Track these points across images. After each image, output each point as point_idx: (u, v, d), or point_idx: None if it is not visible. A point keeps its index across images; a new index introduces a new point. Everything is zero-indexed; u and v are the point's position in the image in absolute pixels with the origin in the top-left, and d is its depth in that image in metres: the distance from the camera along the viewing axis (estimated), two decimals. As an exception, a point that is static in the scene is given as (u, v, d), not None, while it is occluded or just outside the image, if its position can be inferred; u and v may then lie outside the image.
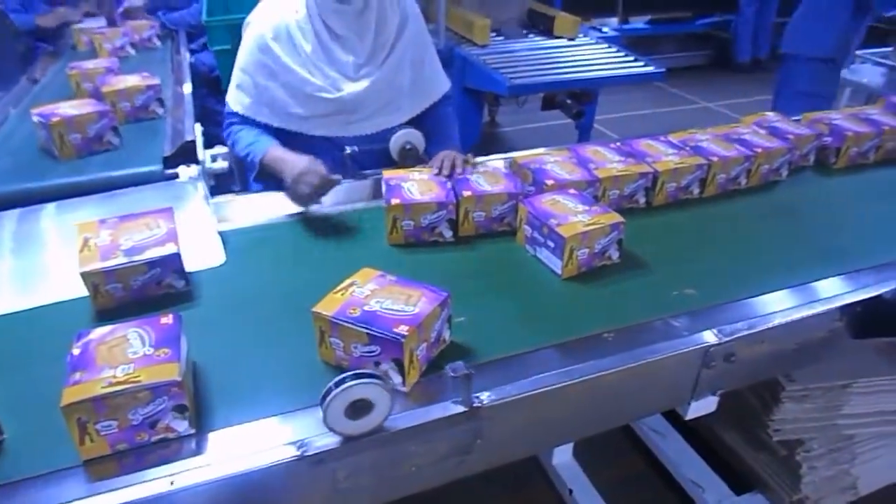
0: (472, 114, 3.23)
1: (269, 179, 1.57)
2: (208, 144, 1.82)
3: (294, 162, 1.46)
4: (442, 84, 1.73)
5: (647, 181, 1.56)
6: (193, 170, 1.63)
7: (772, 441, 1.47)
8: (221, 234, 1.43)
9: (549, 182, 1.46)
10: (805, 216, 1.62)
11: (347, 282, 1.09)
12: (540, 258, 1.34)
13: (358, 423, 0.87)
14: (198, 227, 1.40)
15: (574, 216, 1.30)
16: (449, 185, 1.45)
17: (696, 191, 1.64)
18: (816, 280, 1.30)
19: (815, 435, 1.38)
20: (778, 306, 1.21)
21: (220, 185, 1.78)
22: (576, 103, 3.01)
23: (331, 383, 0.85)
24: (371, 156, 1.69)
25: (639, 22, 6.79)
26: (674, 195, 1.62)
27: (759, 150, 1.69)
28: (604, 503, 1.88)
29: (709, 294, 1.24)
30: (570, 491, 1.89)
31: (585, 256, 1.29)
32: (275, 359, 1.07)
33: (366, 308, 1.01)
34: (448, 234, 1.42)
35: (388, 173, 1.50)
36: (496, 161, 1.71)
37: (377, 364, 0.98)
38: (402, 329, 0.95)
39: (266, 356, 1.08)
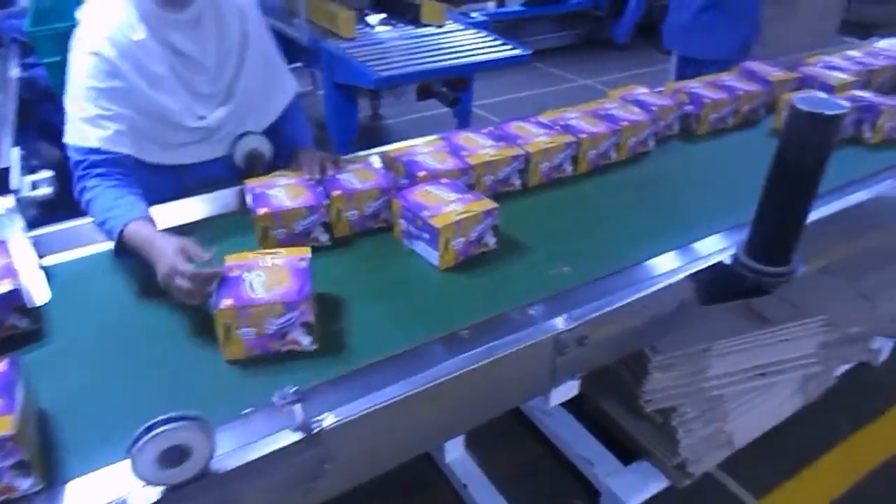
0: (346, 109, 3.18)
1: (135, 257, 1.25)
2: (49, 166, 1.68)
3: (162, 251, 1.14)
4: (291, 85, 1.65)
5: (520, 163, 1.59)
6: (9, 200, 1.48)
7: (648, 410, 1.54)
8: (53, 267, 1.33)
9: (422, 173, 1.46)
10: (672, 184, 1.71)
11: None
12: (417, 251, 1.33)
13: (176, 471, 0.79)
14: (15, 263, 1.24)
15: (447, 206, 1.31)
16: (319, 187, 1.42)
17: (568, 168, 1.69)
18: (677, 248, 1.37)
19: (685, 400, 1.46)
20: (637, 278, 1.26)
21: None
22: (451, 91, 3.01)
23: (140, 430, 0.77)
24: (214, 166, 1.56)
25: (514, 5, 6.97)
26: (548, 175, 1.66)
27: (626, 123, 1.76)
28: (499, 494, 1.90)
29: (583, 270, 1.28)
30: (465, 486, 1.90)
31: (461, 245, 1.29)
32: (134, 394, 1.01)
33: (253, 285, 1.08)
34: (324, 237, 1.39)
35: (251, 182, 1.44)
36: (371, 156, 1.68)
37: (284, 335, 1.06)
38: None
39: (126, 392, 1.02)
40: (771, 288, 1.19)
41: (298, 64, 3.34)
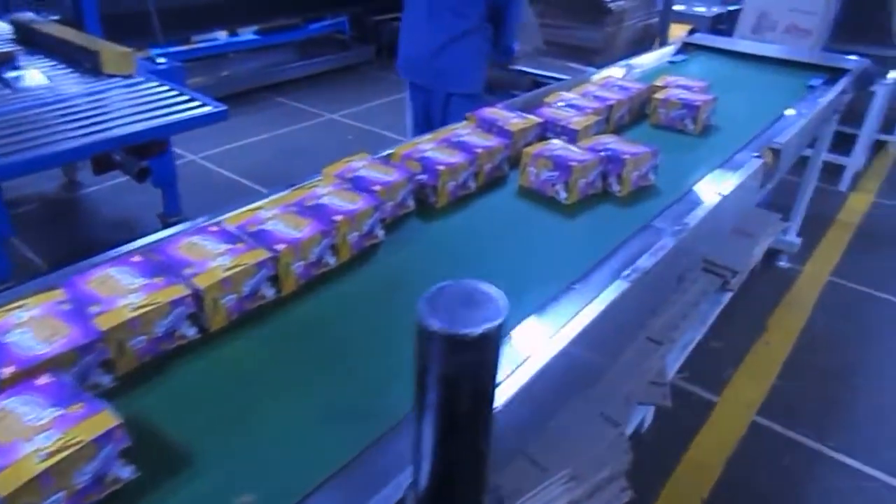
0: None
1: None
2: None
3: None
4: None
5: (188, 307, 1.14)
6: None
7: None
8: None
9: (8, 371, 0.93)
10: (412, 288, 1.37)
11: None
12: (-7, 522, 0.82)
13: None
14: None
15: (27, 443, 0.81)
16: None
17: (268, 293, 1.27)
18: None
19: None
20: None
21: None
22: (136, 160, 2.37)
23: None
24: None
25: (248, 33, 6.44)
26: (237, 308, 1.22)
27: (341, 217, 1.39)
28: None
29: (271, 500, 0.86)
30: None
31: (63, 507, 0.80)
32: None
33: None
34: None
35: None
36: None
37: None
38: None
39: None
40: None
41: None
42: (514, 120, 2.01)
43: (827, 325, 2.89)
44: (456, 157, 1.73)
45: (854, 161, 4.10)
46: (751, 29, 4.18)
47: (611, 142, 1.89)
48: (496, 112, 2.07)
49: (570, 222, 1.68)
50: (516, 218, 1.70)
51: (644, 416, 2.04)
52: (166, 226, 3.16)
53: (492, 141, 1.86)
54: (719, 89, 2.47)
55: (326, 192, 1.49)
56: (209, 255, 1.22)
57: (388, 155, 1.81)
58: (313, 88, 5.96)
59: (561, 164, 1.72)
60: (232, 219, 1.37)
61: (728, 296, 2.33)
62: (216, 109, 2.39)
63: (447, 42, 2.92)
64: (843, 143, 3.92)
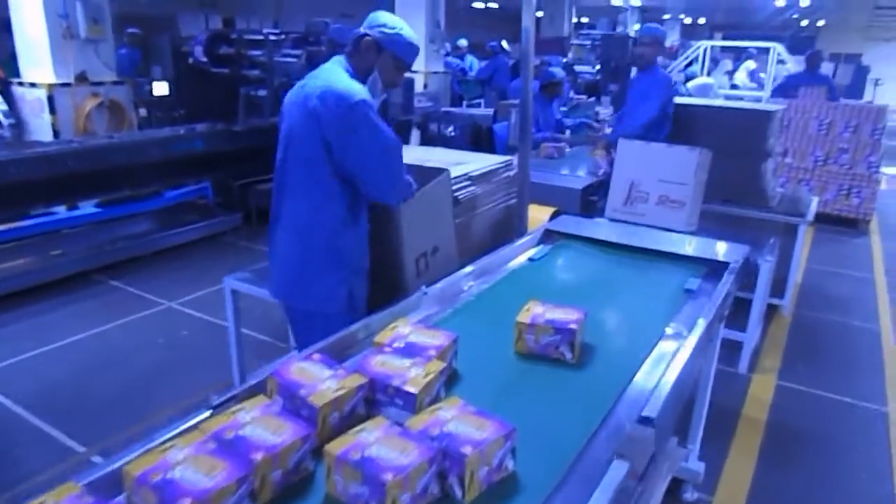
0: None
1: None
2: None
3: None
4: None
5: None
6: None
7: None
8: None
9: None
10: None
11: None
12: None
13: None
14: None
15: None
16: None
17: None
18: None
19: None
20: None
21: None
22: None
23: None
24: None
25: (87, 206, 5.82)
26: None
27: None
28: None
29: None
30: None
31: None
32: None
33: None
34: None
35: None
36: None
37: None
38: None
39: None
40: None
41: None
42: (326, 385, 1.51)
43: None
44: (217, 478, 1.19)
45: (750, 336, 3.87)
46: (622, 202, 4.02)
47: (452, 417, 1.42)
48: (304, 371, 1.57)
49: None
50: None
51: None
52: None
53: (284, 434, 1.34)
54: (589, 293, 2.11)
55: None
56: None
57: (124, 467, 1.24)
58: (162, 264, 5.36)
59: (371, 479, 1.22)
60: None
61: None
62: None
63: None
64: (734, 310, 3.55)
